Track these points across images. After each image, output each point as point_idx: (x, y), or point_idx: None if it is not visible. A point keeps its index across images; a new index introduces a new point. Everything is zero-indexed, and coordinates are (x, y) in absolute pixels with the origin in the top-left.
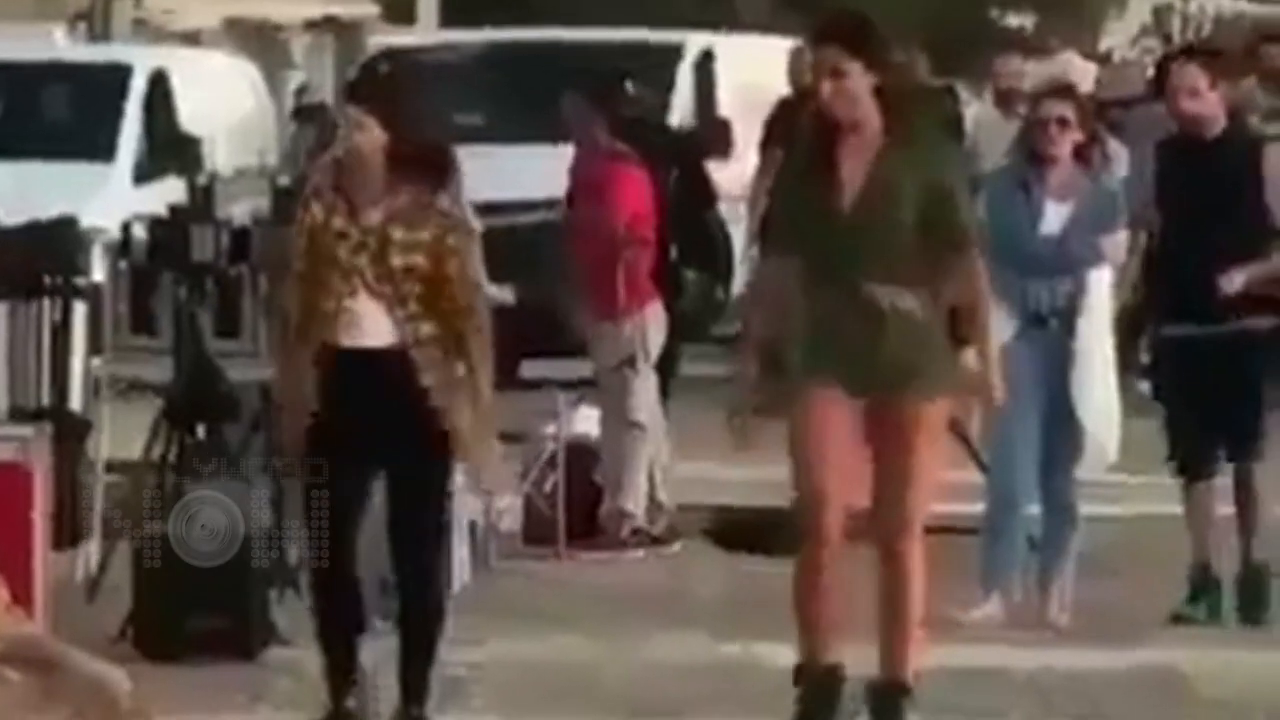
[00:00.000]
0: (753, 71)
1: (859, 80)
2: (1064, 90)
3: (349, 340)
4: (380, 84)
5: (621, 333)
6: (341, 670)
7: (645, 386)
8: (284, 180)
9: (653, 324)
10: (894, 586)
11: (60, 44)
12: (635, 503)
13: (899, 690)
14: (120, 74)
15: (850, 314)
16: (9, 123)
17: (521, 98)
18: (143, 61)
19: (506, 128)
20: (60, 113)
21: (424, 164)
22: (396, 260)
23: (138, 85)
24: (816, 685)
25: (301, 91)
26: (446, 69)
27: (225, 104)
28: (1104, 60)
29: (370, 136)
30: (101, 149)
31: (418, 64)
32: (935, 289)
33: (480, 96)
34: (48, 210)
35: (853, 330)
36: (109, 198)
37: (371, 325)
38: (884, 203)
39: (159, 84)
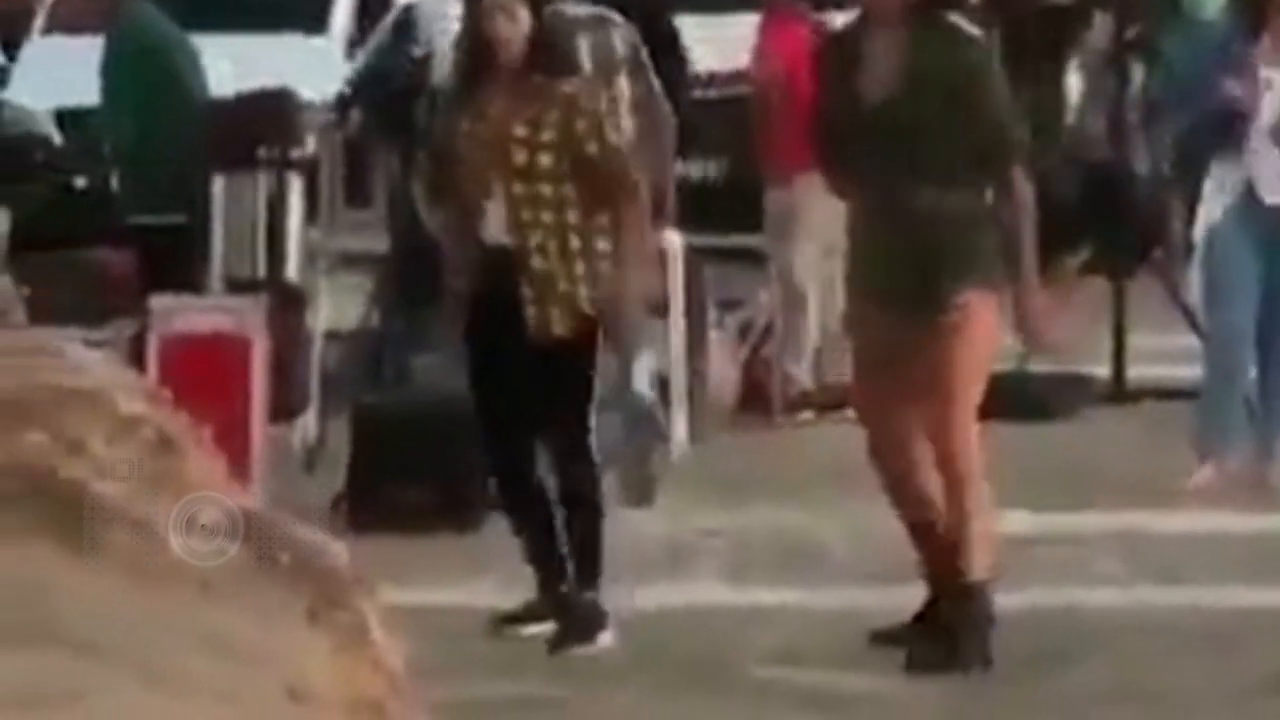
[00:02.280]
0: None
1: None
2: None
3: (488, 238)
4: None
5: (780, 197)
6: (542, 558)
7: (802, 254)
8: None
9: (805, 191)
10: (948, 482)
11: None
12: (801, 367)
13: (964, 591)
14: None
15: (887, 220)
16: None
17: None
18: None
19: None
20: None
21: (557, 55)
22: (521, 158)
23: None
24: None
25: None
26: None
27: None
28: None
29: (517, 26)
30: (314, 21)
31: None
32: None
33: None
34: (262, 83)
35: (889, 239)
36: (323, 70)
37: (498, 223)
38: (912, 97)
39: None
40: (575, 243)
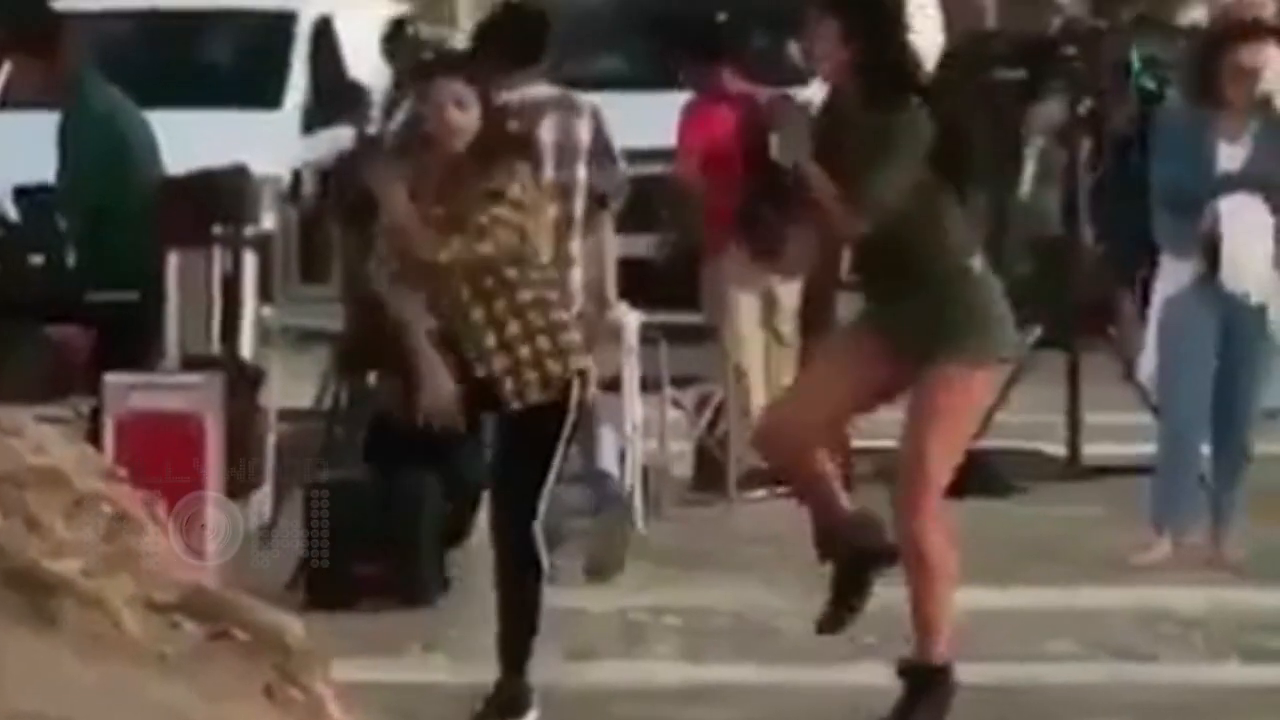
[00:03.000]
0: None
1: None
2: (1256, 30)
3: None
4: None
5: (711, 273)
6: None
7: (736, 328)
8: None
9: (734, 265)
10: (907, 561)
11: None
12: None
13: (923, 670)
14: (285, 21)
15: (884, 269)
16: (174, 70)
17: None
18: (307, 8)
19: (654, 73)
20: (225, 60)
21: (507, 143)
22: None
23: (303, 31)
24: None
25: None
26: (592, 10)
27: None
28: None
29: (468, 116)
30: (269, 96)
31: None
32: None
33: (624, 40)
34: (216, 159)
35: (887, 287)
36: (279, 145)
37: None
38: (862, 164)
39: (324, 32)
40: (535, 319)
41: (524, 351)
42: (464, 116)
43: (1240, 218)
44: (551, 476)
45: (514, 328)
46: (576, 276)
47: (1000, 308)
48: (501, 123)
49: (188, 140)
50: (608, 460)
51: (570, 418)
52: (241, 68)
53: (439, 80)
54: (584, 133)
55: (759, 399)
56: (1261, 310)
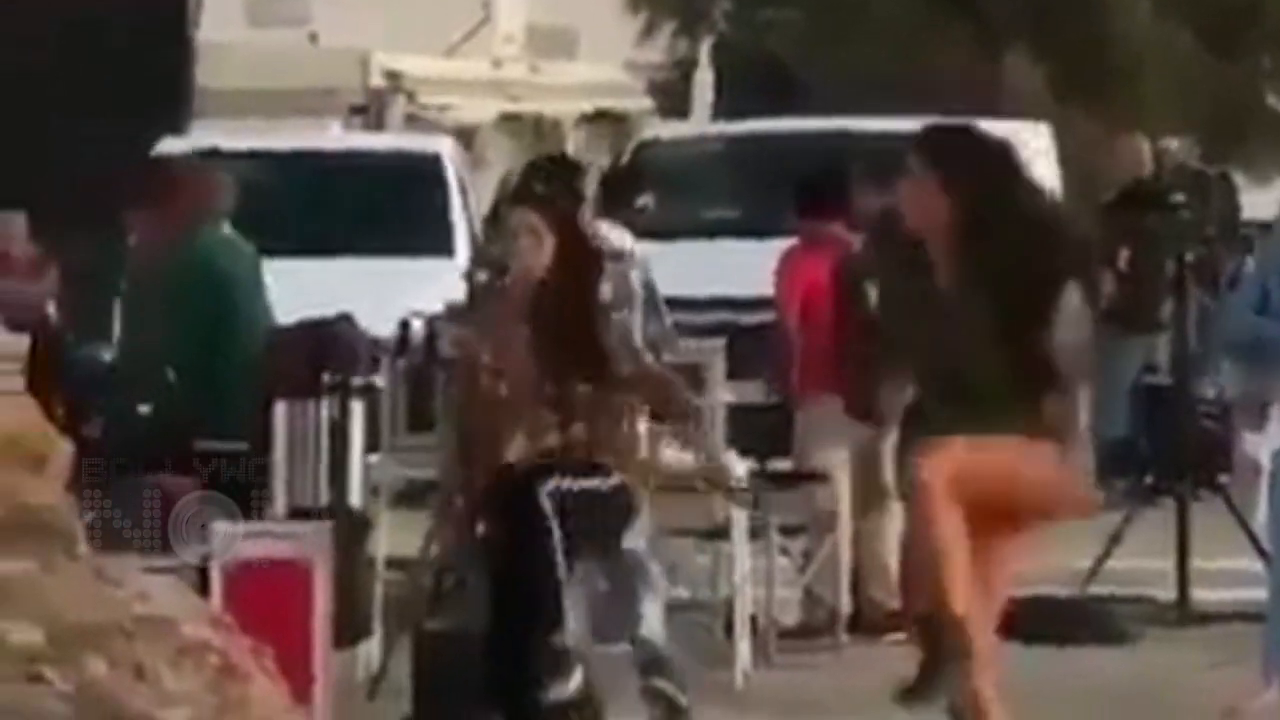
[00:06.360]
0: None
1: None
2: None
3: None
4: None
5: (802, 420)
6: None
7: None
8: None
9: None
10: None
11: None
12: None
13: None
14: (432, 163)
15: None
16: (337, 218)
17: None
18: (442, 150)
19: (766, 220)
20: (383, 205)
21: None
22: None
23: (451, 175)
24: None
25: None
26: (707, 160)
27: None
28: None
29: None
30: (441, 243)
31: (676, 156)
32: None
33: (741, 188)
34: (397, 307)
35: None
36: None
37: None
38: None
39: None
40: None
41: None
42: (537, 245)
43: None
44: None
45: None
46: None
47: None
48: (584, 243)
49: (365, 290)
50: (652, 625)
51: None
52: (407, 213)
53: (515, 210)
54: (636, 282)
55: (846, 549)
56: None
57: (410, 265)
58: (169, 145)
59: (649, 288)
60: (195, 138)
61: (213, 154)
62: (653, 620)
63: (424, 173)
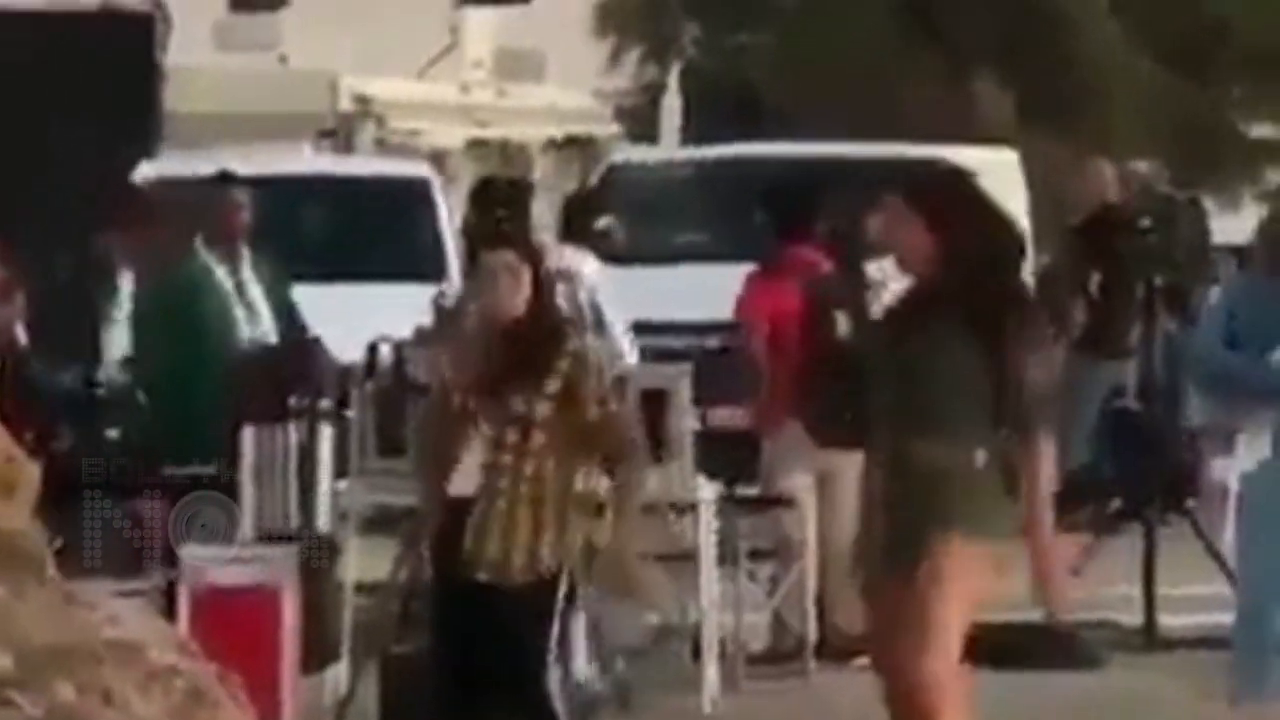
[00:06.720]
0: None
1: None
2: None
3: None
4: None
5: (769, 447)
6: None
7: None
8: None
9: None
10: None
11: (311, 160)
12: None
13: None
14: (420, 187)
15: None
16: (338, 241)
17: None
18: (430, 175)
19: (735, 245)
20: (376, 230)
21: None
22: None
23: (439, 198)
24: None
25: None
26: (675, 184)
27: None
28: None
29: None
30: (434, 267)
31: (645, 180)
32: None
33: (710, 212)
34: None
35: (882, 485)
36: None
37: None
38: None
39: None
40: (551, 492)
41: (523, 532)
42: (515, 285)
43: None
44: (548, 669)
45: (523, 495)
46: None
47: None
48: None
49: (361, 315)
50: (578, 663)
51: (556, 606)
52: (396, 237)
53: (493, 253)
54: (584, 303)
55: (813, 575)
56: None
57: (402, 290)
58: (144, 170)
59: (595, 308)
60: (195, 164)
61: (225, 178)
62: (580, 661)
63: (414, 196)
